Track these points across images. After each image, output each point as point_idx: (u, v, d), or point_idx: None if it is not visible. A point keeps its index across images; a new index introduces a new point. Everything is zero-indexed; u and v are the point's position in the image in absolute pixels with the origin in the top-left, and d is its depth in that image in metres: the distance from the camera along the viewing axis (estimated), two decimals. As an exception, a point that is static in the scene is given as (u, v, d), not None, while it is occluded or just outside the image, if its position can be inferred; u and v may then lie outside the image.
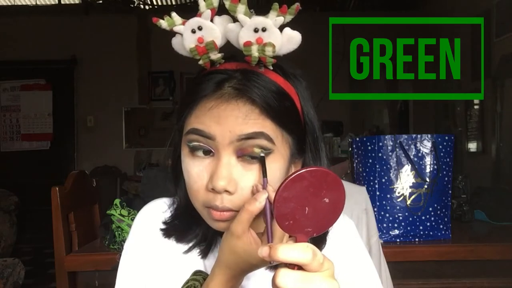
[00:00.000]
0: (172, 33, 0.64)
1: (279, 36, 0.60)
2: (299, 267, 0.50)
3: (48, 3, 5.43)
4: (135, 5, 5.18)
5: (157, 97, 5.60)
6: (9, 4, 5.37)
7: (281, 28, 0.61)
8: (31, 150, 5.53)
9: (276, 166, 0.64)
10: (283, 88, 0.64)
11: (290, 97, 0.65)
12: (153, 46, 5.31)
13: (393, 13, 5.24)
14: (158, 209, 0.76)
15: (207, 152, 0.64)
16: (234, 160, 0.63)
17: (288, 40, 0.61)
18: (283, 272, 0.49)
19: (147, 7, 5.37)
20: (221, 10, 0.63)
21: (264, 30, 0.60)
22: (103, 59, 5.37)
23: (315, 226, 0.53)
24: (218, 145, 0.62)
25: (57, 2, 5.30)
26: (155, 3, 5.38)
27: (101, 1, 5.14)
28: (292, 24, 0.62)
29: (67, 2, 5.39)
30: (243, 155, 0.63)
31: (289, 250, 0.49)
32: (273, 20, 0.60)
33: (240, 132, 0.61)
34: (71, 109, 5.58)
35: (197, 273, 0.68)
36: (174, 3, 5.37)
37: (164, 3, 5.38)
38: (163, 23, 0.63)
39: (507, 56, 3.40)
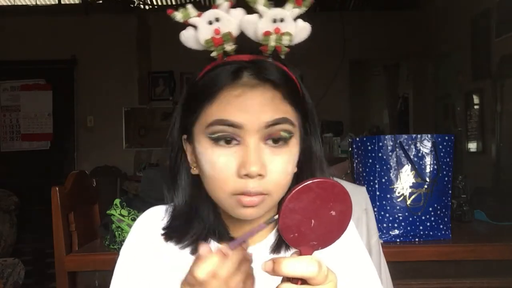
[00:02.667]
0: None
1: (294, 26, 0.64)
2: (303, 281, 0.48)
3: (48, 3, 5.43)
4: (135, 5, 5.18)
5: (157, 97, 5.59)
6: (9, 4, 5.37)
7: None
8: (31, 150, 5.52)
9: (296, 151, 0.68)
10: (291, 75, 0.67)
11: (296, 83, 0.68)
12: (153, 46, 5.31)
13: (392, 13, 5.25)
14: (156, 216, 0.76)
15: (229, 141, 0.64)
16: (262, 145, 0.64)
17: (300, 31, 0.64)
18: (286, 287, 0.48)
19: (147, 7, 5.36)
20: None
21: (282, 20, 0.63)
22: (103, 59, 5.36)
23: (320, 239, 0.51)
24: (245, 133, 0.63)
25: (57, 2, 5.30)
26: (155, 3, 5.38)
27: (101, 1, 5.13)
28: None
29: (67, 2, 5.38)
30: (269, 139, 0.65)
31: (294, 263, 0.47)
32: (290, 11, 0.63)
33: (267, 119, 0.64)
34: (71, 109, 5.56)
35: None
36: (174, 3, 5.37)
37: (164, 3, 5.37)
38: (178, 15, 0.64)
39: (507, 56, 3.39)
